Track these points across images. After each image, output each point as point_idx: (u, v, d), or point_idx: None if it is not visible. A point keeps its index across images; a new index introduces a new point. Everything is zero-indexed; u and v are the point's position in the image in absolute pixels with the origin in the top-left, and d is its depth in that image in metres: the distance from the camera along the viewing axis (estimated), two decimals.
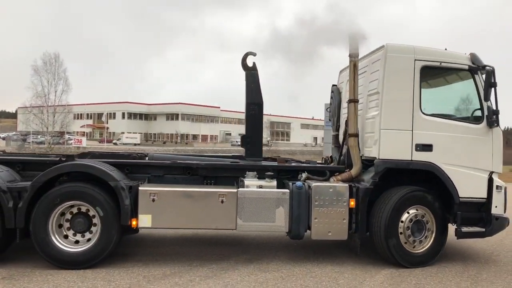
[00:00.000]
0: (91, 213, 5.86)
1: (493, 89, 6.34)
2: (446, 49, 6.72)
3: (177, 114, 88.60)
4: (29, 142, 55.98)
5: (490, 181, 6.57)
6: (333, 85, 8.59)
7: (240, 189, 6.11)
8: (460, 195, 6.41)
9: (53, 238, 5.72)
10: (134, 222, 5.88)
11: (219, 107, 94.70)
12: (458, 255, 7.13)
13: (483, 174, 6.58)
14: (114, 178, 5.83)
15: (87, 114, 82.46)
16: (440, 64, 6.51)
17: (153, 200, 5.85)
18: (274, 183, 6.34)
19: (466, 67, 6.59)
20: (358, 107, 6.82)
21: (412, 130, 6.36)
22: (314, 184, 6.24)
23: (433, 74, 6.84)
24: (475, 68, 6.57)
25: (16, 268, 5.67)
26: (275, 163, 7.04)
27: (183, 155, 7.58)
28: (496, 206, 6.53)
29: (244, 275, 5.76)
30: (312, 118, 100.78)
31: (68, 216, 5.86)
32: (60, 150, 39.51)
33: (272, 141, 74.68)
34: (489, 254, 7.21)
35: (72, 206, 5.83)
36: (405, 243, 6.29)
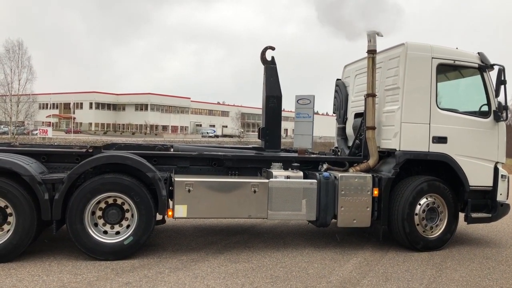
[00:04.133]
0: (126, 205, 5.90)
1: (503, 86, 6.85)
2: (457, 48, 7.17)
3: (146, 105, 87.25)
4: None
5: (496, 170, 7.13)
6: (338, 79, 8.93)
7: (271, 179, 6.34)
8: (470, 184, 6.92)
9: (89, 229, 5.76)
10: (170, 213, 6.00)
11: (189, 98, 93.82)
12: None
13: (490, 164, 7.13)
14: (152, 169, 5.92)
15: (53, 104, 79.63)
16: (454, 62, 6.97)
17: (189, 190, 5.98)
18: (301, 173, 6.61)
19: (476, 65, 7.09)
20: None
21: (429, 124, 6.80)
22: (340, 174, 6.56)
23: (446, 71, 7.30)
24: (484, 66, 7.07)
25: None
26: (296, 155, 7.29)
27: (206, 147, 7.71)
28: (501, 194, 7.12)
29: (214, 266, 5.76)
30: (283, 110, 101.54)
31: (102, 207, 5.89)
32: (25, 140, 38.18)
33: (244, 133, 74.94)
34: (453, 242, 7.36)
35: (103, 198, 5.86)
36: (420, 228, 6.74)
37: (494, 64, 7.01)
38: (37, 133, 53.19)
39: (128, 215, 5.93)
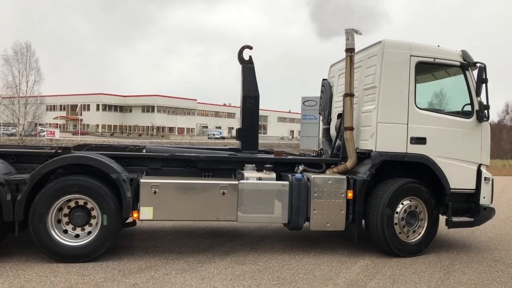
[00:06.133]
0: (90, 205, 5.79)
1: (484, 85, 6.60)
2: (438, 46, 6.93)
3: (153, 106, 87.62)
4: None
5: (479, 173, 6.86)
6: (324, 79, 8.72)
7: (241, 181, 6.17)
8: (451, 187, 6.66)
9: (52, 232, 5.64)
10: (135, 215, 5.86)
11: (195, 100, 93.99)
12: (431, 246, 7.17)
13: (472, 166, 6.86)
14: (116, 170, 5.79)
15: (60, 106, 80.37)
16: (434, 60, 6.72)
17: (155, 192, 5.83)
18: (274, 175, 6.42)
19: (458, 63, 6.83)
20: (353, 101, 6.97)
21: (407, 124, 6.56)
22: (313, 176, 6.36)
23: (427, 69, 7.06)
24: (466, 64, 6.82)
25: None
26: (272, 156, 7.12)
27: (180, 147, 7.56)
28: (484, 197, 6.84)
29: (221, 268, 5.74)
30: (289, 112, 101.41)
31: (67, 210, 5.77)
32: (32, 142, 38.41)
33: None
34: (461, 245, 7.41)
35: (70, 200, 5.75)
36: (400, 233, 6.49)
37: (477, 62, 6.75)
38: (44, 135, 53.69)
39: (95, 213, 5.79)
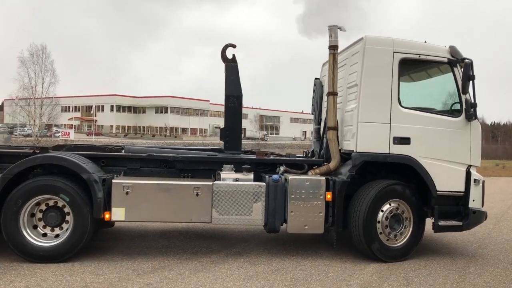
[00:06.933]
0: (61, 205, 5.74)
1: (471, 82, 6.31)
2: (425, 42, 6.67)
3: (166, 107, 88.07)
4: (16, 135, 55.31)
5: (468, 174, 6.55)
6: (316, 79, 8.52)
7: (215, 182, 6.04)
8: (437, 189, 6.38)
9: (25, 233, 5.62)
10: (107, 215, 5.78)
11: (208, 101, 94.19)
12: (445, 248, 7.18)
13: (461, 167, 6.56)
14: (87, 170, 5.72)
15: (75, 107, 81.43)
16: (419, 56, 6.45)
17: (127, 193, 5.75)
18: (251, 176, 6.26)
19: (445, 60, 6.54)
20: (338, 100, 6.77)
21: (390, 123, 6.31)
22: (290, 177, 6.18)
23: (413, 67, 6.79)
24: (454, 61, 6.52)
25: (3, 262, 5.56)
26: (253, 156, 6.96)
27: (160, 148, 7.47)
28: (473, 200, 6.52)
29: (234, 268, 5.75)
30: (302, 112, 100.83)
31: (41, 211, 5.75)
32: (47, 143, 38.94)
33: (267, 135, 74.99)
34: (476, 247, 7.29)
35: (45, 200, 5.71)
36: (383, 237, 6.25)
37: (465, 58, 6.44)
38: (59, 136, 54.46)
39: (68, 214, 5.75)
